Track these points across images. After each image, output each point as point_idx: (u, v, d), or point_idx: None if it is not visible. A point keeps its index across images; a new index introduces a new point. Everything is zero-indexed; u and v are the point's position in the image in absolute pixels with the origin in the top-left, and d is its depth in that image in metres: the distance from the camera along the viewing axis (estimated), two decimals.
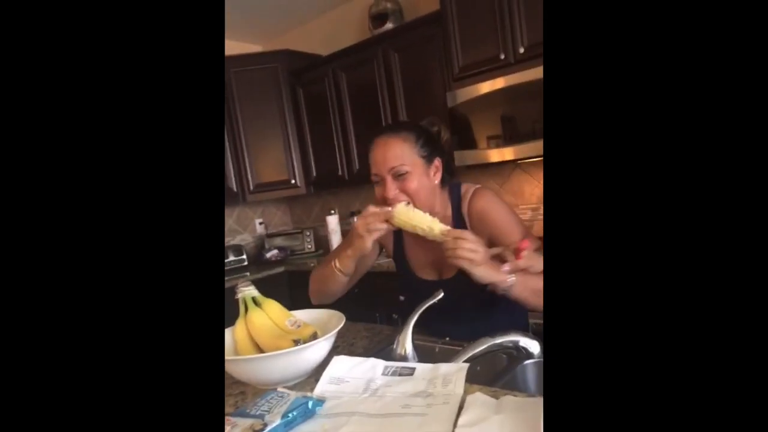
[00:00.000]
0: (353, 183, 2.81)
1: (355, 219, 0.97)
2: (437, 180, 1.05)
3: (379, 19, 2.58)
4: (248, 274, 2.75)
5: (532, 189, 2.36)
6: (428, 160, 1.03)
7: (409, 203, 0.98)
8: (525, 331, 1.16)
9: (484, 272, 0.88)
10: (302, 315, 0.94)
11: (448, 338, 1.07)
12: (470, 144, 2.13)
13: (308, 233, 3.11)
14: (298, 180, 2.99)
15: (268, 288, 2.69)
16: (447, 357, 0.87)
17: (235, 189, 2.96)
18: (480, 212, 1.01)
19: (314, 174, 2.98)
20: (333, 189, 3.08)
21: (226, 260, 2.90)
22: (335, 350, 1.06)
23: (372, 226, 0.95)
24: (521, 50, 1.98)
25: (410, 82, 2.44)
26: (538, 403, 0.60)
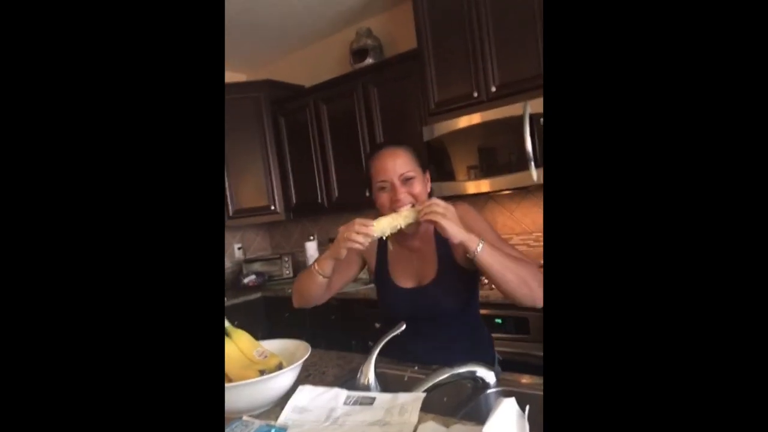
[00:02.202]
0: (332, 210, 2.87)
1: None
2: (428, 189, 1.17)
3: (359, 54, 2.69)
4: (225, 299, 2.75)
5: (504, 220, 2.44)
6: (423, 169, 1.16)
7: (414, 206, 1.08)
8: (491, 358, 1.23)
9: (455, 229, 0.96)
10: (270, 345, 0.98)
11: (416, 367, 1.12)
12: (447, 176, 2.22)
13: (287, 259, 3.13)
14: (277, 206, 3.03)
15: (244, 314, 2.72)
16: (414, 385, 0.91)
17: None
18: (459, 217, 1.08)
19: (294, 201, 3.02)
20: (312, 216, 3.13)
21: None
22: (307, 378, 1.09)
23: (350, 237, 1.01)
24: (493, 89, 2.09)
25: (388, 115, 2.53)
26: None
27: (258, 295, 2.85)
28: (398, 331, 0.98)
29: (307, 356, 0.88)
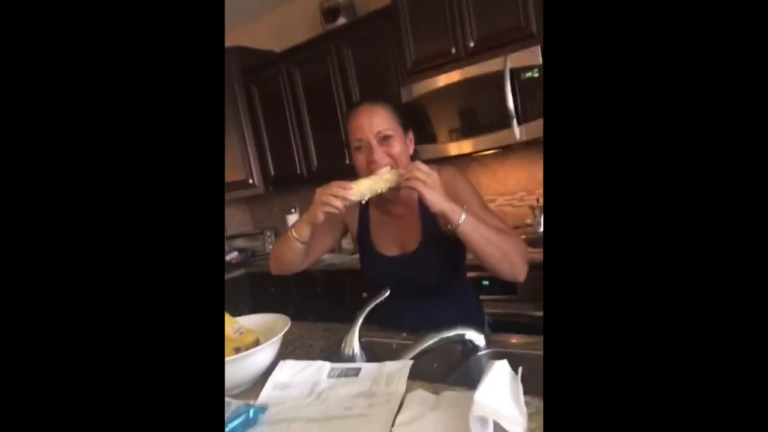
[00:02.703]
0: (312, 180, 2.78)
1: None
2: (411, 151, 1.09)
3: (330, 14, 2.55)
4: None
5: (488, 182, 2.40)
6: (404, 129, 1.07)
7: (392, 168, 1.01)
8: (480, 321, 1.20)
9: (437, 198, 0.90)
10: (247, 321, 0.92)
11: (404, 333, 1.09)
12: (428, 138, 2.15)
13: (269, 233, 3.07)
14: (256, 180, 2.93)
15: (229, 291, 2.67)
16: (402, 353, 0.88)
17: None
18: (444, 184, 1.03)
19: (272, 173, 2.93)
20: (292, 187, 3.04)
21: None
22: (293, 353, 1.05)
23: (327, 200, 0.96)
24: (471, 44, 2.00)
25: (365, 77, 2.42)
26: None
27: (242, 271, 2.80)
28: (382, 298, 0.93)
29: (285, 330, 0.83)
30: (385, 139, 1.02)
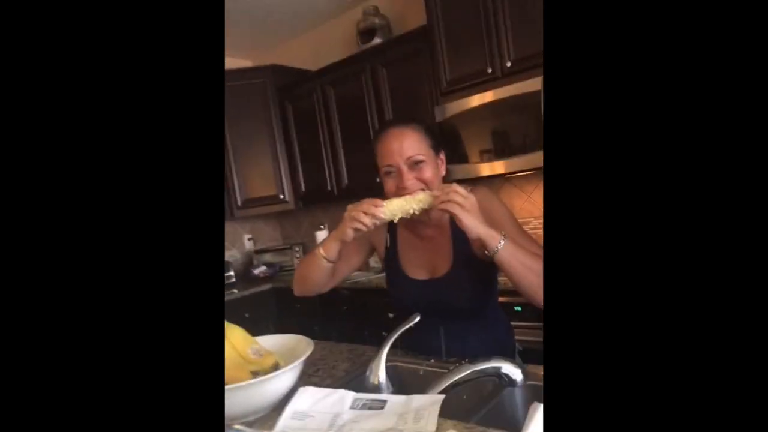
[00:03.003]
0: (342, 197, 2.77)
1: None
2: (443, 173, 1.05)
3: (367, 34, 2.57)
4: (236, 291, 2.69)
5: (522, 203, 2.32)
6: (436, 150, 1.03)
7: (425, 192, 0.97)
8: (511, 349, 1.13)
9: (475, 223, 0.86)
10: (268, 341, 0.88)
11: (432, 360, 1.03)
12: (460, 158, 2.10)
13: (297, 249, 3.06)
14: (286, 195, 2.94)
15: (255, 305, 2.67)
16: (431, 381, 0.82)
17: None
18: (479, 206, 0.97)
19: (303, 189, 2.94)
20: (322, 204, 3.04)
21: None
22: (316, 373, 1.01)
23: (357, 216, 0.92)
24: (508, 64, 1.96)
25: (398, 96, 2.41)
26: None
27: (269, 286, 2.79)
28: (411, 324, 0.88)
29: (308, 354, 0.78)
30: (416, 164, 0.98)
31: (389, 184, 1.00)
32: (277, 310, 2.77)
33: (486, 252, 0.88)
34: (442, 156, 1.05)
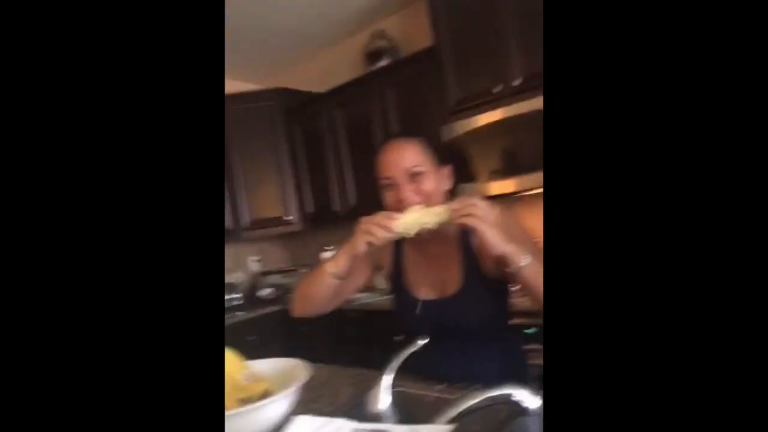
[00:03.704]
0: (349, 219, 2.75)
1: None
2: (447, 186, 1.02)
3: (374, 56, 2.60)
4: (242, 312, 2.66)
5: (533, 223, 2.27)
6: (438, 163, 1.00)
7: (423, 206, 0.93)
8: (522, 374, 1.08)
9: (497, 238, 0.82)
10: (262, 365, 0.82)
11: (442, 385, 0.98)
12: (468, 177, 2.08)
13: (304, 271, 3.03)
14: (294, 216, 2.93)
15: (261, 328, 2.62)
16: (439, 409, 0.78)
17: (230, 226, 2.90)
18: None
19: (310, 210, 2.92)
20: (329, 226, 3.02)
21: None
22: (316, 400, 0.96)
23: (370, 229, 0.89)
24: (515, 83, 1.95)
25: (406, 117, 2.41)
26: None
27: (276, 308, 2.75)
28: (416, 348, 0.84)
29: (303, 380, 0.74)
30: (415, 176, 0.95)
31: (388, 197, 0.98)
32: (283, 333, 2.73)
33: (507, 269, 0.84)
34: (447, 170, 1.02)
